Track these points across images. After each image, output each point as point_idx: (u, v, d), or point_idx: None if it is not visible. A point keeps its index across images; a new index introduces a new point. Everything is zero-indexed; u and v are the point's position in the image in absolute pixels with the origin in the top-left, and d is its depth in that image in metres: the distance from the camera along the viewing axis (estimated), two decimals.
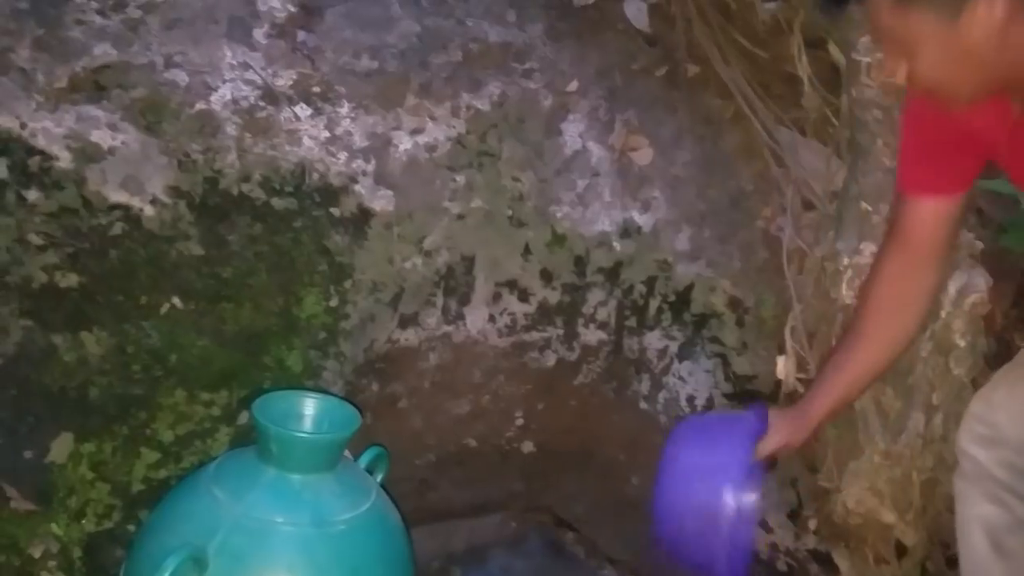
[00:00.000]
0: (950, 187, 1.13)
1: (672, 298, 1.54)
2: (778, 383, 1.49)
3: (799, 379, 1.45)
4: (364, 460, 1.20)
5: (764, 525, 1.50)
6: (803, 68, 1.49)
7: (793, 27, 1.51)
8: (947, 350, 1.39)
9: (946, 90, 0.99)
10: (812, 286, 1.46)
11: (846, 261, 1.40)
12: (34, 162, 1.28)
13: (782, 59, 1.55)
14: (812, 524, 1.48)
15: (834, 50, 1.48)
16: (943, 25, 0.92)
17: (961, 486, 1.19)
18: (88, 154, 1.30)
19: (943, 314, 1.38)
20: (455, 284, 1.47)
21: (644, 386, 1.58)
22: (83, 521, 1.17)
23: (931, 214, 1.14)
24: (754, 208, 1.57)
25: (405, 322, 1.44)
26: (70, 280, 1.25)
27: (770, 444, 1.18)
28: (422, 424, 1.54)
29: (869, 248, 1.38)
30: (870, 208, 1.38)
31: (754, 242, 1.56)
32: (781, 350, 1.49)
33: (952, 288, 1.37)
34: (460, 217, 1.46)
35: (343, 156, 1.43)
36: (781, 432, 1.19)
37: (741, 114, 1.55)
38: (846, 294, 1.39)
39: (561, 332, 1.54)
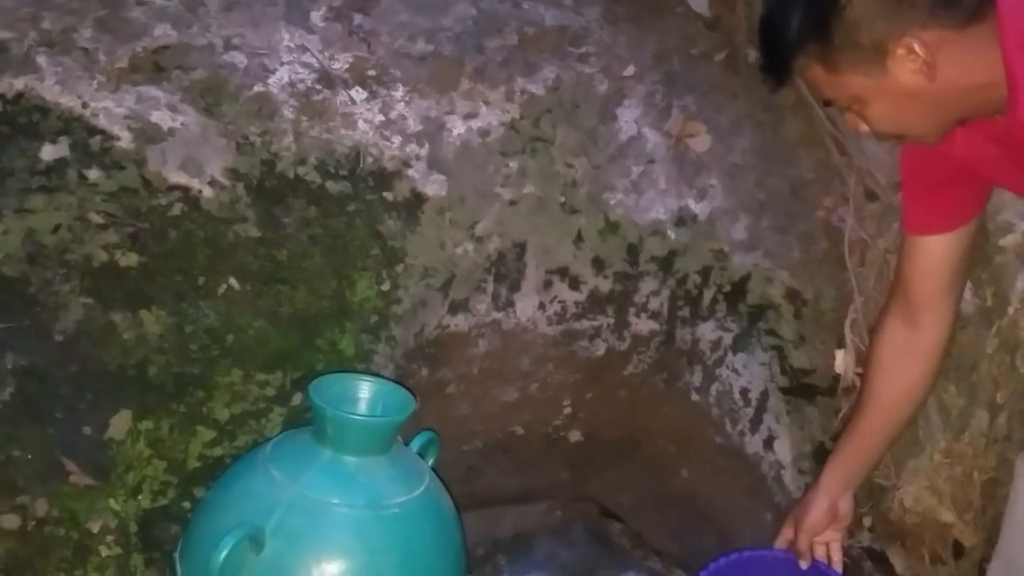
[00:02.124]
0: (953, 221, 1.12)
1: (727, 289, 1.51)
2: (836, 377, 1.46)
3: (858, 374, 1.41)
4: (415, 444, 1.20)
5: None
6: None
7: None
8: (1013, 347, 1.34)
9: (909, 134, 1.01)
10: (874, 278, 1.43)
11: None
12: (95, 142, 1.29)
13: None
14: (867, 522, 1.45)
15: None
16: (875, 79, 0.93)
17: (1021, 467, 1.17)
18: (148, 135, 1.31)
19: (1010, 311, 1.33)
20: (506, 271, 1.46)
21: (696, 378, 1.55)
22: (139, 497, 1.19)
23: (935, 254, 1.13)
24: (815, 198, 1.53)
25: (455, 308, 1.44)
26: (130, 259, 1.26)
27: (783, 531, 1.23)
28: (470, 410, 1.53)
29: None
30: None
31: (814, 232, 1.52)
32: (840, 344, 1.45)
33: (1020, 284, 1.33)
34: (512, 203, 1.45)
35: (397, 140, 1.42)
36: (793, 515, 1.24)
37: (803, 101, 1.51)
38: None
39: (612, 321, 1.52)
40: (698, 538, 1.60)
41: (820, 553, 1.25)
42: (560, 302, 1.49)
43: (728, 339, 1.52)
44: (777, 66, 0.98)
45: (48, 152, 1.27)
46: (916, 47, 0.90)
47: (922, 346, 1.17)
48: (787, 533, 1.26)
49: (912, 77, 0.92)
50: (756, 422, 1.50)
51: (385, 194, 1.40)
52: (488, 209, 1.43)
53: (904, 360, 1.18)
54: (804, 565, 1.23)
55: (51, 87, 1.30)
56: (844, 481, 1.24)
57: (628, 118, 1.52)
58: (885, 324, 1.20)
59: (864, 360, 1.23)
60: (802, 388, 1.48)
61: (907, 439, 1.40)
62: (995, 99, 0.92)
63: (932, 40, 0.90)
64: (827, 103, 1.03)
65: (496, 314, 1.46)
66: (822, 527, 1.23)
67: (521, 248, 1.45)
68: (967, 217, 1.13)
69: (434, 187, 1.42)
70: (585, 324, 1.51)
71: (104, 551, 1.14)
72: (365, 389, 1.15)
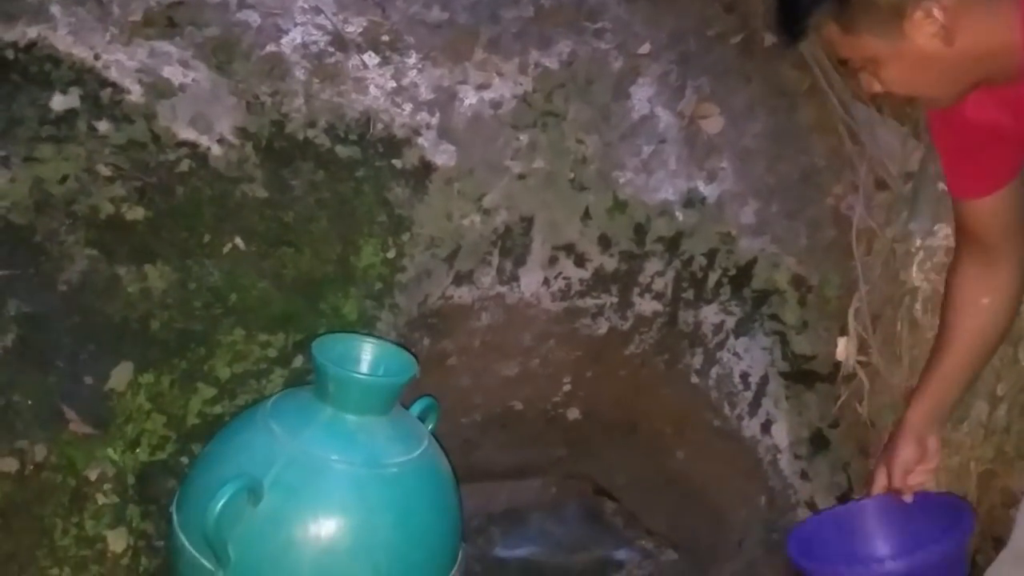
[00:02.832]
0: (995, 182, 1.10)
1: (733, 272, 1.51)
2: (837, 365, 1.46)
3: (859, 362, 1.42)
4: (415, 410, 1.20)
5: (812, 507, 1.47)
6: None
7: None
8: (1016, 339, 1.35)
9: (923, 96, 1.01)
10: (880, 267, 1.43)
11: (918, 243, 1.36)
12: (106, 94, 1.29)
13: None
14: None
15: None
16: (891, 41, 0.92)
17: None
18: (159, 89, 1.31)
19: None
20: (512, 245, 1.45)
21: (697, 360, 1.55)
22: (137, 450, 1.19)
23: (987, 210, 1.12)
24: (825, 185, 1.52)
25: (460, 279, 1.43)
26: (136, 213, 1.26)
27: (876, 479, 1.18)
28: (470, 383, 1.53)
29: (944, 230, 1.34)
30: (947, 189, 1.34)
31: (822, 219, 1.52)
32: (843, 331, 1.45)
33: None
34: (521, 177, 1.44)
35: (408, 108, 1.42)
36: (881, 459, 1.19)
37: (817, 87, 1.51)
38: (916, 276, 1.35)
39: (615, 300, 1.52)
40: (691, 519, 1.60)
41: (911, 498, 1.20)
42: (565, 279, 1.49)
43: (731, 323, 1.52)
44: (792, 23, 0.97)
45: (58, 102, 1.27)
46: (935, 11, 0.89)
47: (997, 280, 1.14)
48: (881, 480, 1.20)
49: (929, 41, 0.91)
50: (755, 406, 1.51)
51: (394, 161, 1.40)
52: (497, 182, 1.43)
53: (982, 294, 1.15)
54: (907, 499, 1.18)
55: (64, 37, 1.29)
56: (929, 418, 1.19)
57: (641, 96, 1.51)
58: (959, 265, 1.17)
59: (943, 302, 1.19)
60: (802, 374, 1.48)
61: None
62: (1011, 65, 0.92)
63: (951, 4, 0.89)
64: (842, 62, 1.02)
65: (500, 288, 1.46)
66: (913, 463, 1.18)
67: (528, 223, 1.45)
68: (1007, 177, 1.11)
69: (443, 157, 1.41)
70: (589, 302, 1.51)
71: (101, 499, 1.14)
72: (368, 351, 1.15)
